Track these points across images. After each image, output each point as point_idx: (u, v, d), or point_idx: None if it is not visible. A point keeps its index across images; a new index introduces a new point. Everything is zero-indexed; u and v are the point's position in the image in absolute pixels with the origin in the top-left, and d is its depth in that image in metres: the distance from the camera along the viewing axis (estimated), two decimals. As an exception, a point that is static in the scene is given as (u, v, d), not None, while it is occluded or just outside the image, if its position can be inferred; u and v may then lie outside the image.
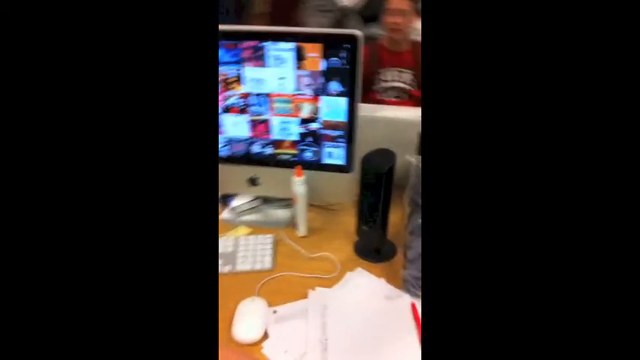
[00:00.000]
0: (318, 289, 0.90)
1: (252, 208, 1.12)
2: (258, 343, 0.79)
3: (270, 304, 0.86)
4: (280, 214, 1.12)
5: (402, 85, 2.08)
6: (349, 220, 1.11)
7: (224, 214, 1.12)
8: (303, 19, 3.16)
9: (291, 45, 0.91)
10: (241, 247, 1.00)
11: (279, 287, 0.92)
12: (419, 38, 2.21)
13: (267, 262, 0.96)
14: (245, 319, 0.82)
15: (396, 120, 1.13)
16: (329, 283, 0.93)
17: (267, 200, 1.14)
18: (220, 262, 0.96)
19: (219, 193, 1.13)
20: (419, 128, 1.07)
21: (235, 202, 1.10)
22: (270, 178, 1.07)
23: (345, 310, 0.86)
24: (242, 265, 0.96)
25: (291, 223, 1.10)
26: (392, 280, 0.93)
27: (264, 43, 0.91)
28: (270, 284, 0.92)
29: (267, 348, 0.78)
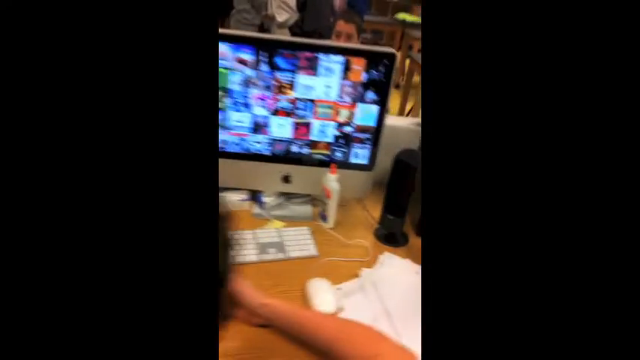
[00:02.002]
0: (364, 269, 1.05)
1: (279, 204, 1.22)
2: (335, 314, 0.91)
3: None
4: (303, 209, 1.24)
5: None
6: (362, 214, 1.28)
7: (255, 210, 1.20)
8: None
9: (341, 58, 1.05)
10: (285, 238, 1.10)
11: (329, 270, 1.04)
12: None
13: (312, 250, 1.08)
14: (319, 295, 0.93)
15: (394, 127, 1.32)
16: (366, 265, 1.07)
17: (287, 197, 1.25)
18: (273, 250, 1.05)
19: (253, 188, 1.21)
20: (416, 135, 1.29)
21: (265, 199, 1.19)
22: (302, 176, 1.19)
23: (391, 285, 1.02)
24: (292, 253, 1.06)
25: (315, 217, 1.22)
26: (414, 260, 1.11)
27: (319, 55, 1.04)
28: (320, 267, 1.04)
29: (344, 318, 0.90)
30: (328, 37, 2.61)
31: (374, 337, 0.71)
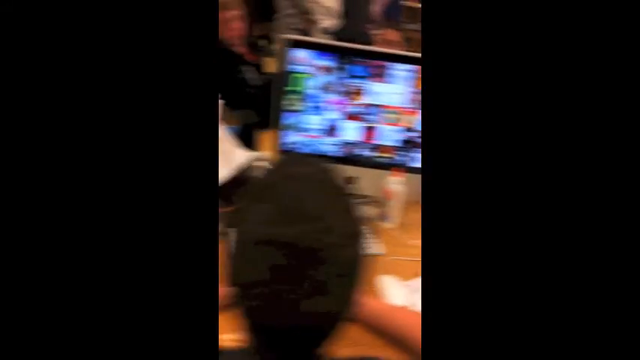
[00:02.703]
0: (427, 268, 1.10)
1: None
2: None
3: (397, 280, 1.03)
4: (364, 210, 1.29)
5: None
6: (419, 216, 1.32)
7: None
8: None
9: (410, 67, 1.11)
10: (352, 235, 1.15)
11: (393, 268, 1.09)
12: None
13: (378, 249, 1.14)
14: (390, 290, 0.99)
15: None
16: (427, 264, 1.12)
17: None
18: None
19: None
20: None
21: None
22: (363, 178, 1.25)
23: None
24: (360, 250, 1.11)
25: (375, 217, 1.28)
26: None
27: (390, 63, 1.10)
28: (386, 265, 1.10)
29: (414, 313, 0.95)
30: (365, 44, 2.65)
31: None
